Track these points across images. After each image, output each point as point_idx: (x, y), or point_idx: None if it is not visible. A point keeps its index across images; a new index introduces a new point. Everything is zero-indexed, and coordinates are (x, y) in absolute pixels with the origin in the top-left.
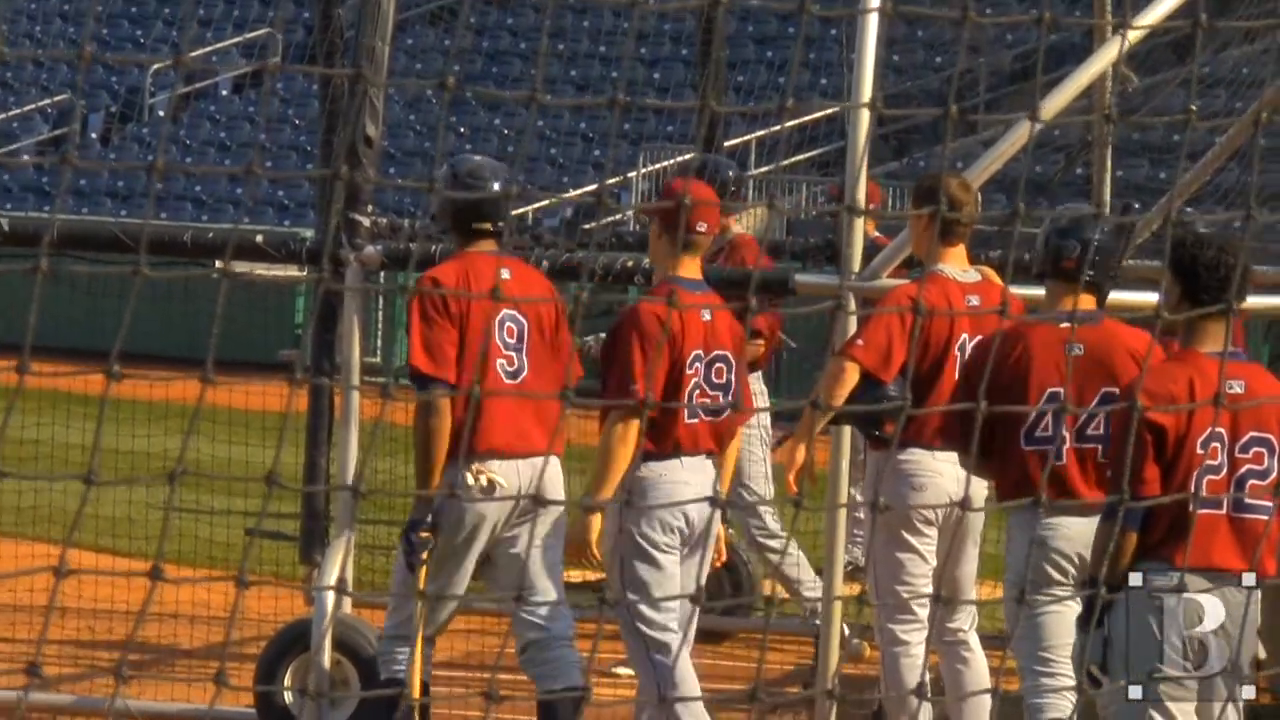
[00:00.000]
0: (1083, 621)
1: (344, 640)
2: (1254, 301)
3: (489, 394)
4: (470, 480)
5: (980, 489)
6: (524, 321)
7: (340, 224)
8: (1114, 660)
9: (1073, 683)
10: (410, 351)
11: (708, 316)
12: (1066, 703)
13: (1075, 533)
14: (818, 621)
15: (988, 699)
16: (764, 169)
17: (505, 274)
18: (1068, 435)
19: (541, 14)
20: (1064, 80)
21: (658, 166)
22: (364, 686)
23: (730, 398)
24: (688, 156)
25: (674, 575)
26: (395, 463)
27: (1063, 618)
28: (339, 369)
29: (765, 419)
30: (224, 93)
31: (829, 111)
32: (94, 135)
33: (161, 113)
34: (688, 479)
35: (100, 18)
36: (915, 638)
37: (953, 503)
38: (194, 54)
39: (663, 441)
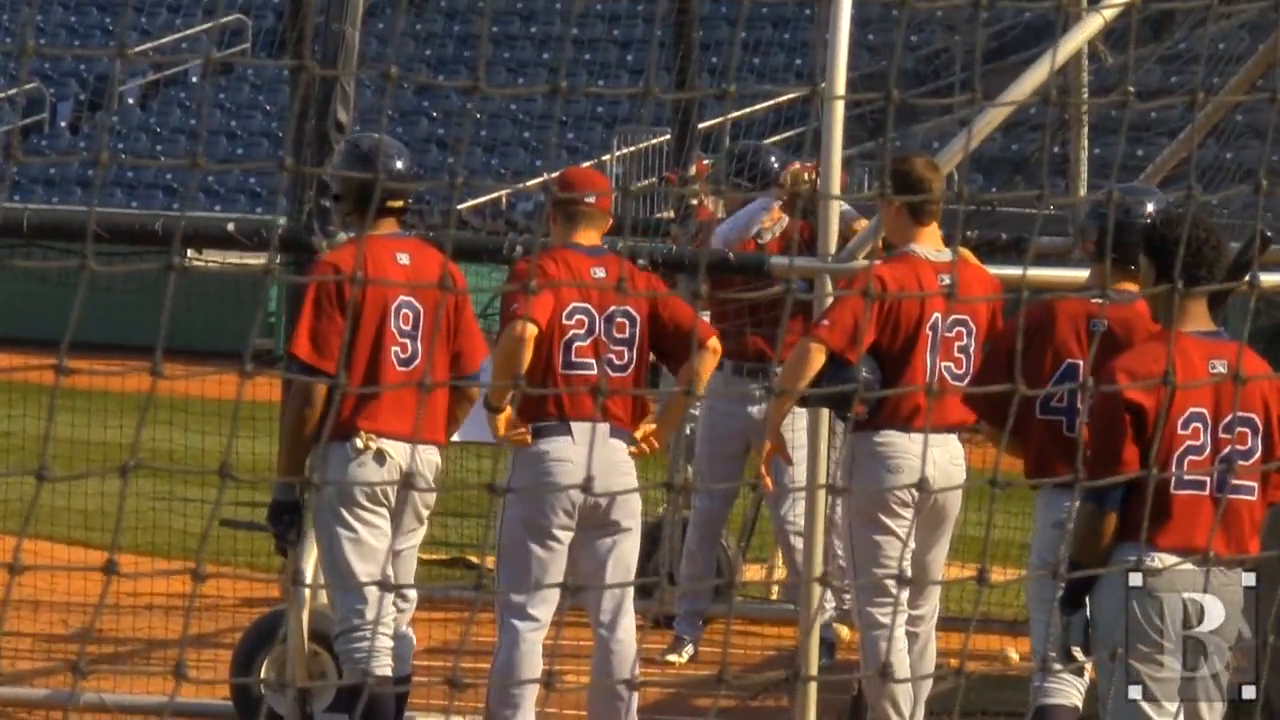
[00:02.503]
0: (1063, 603)
1: (321, 631)
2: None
3: (362, 390)
4: (360, 444)
5: (957, 472)
6: (419, 308)
7: (312, 211)
8: (1096, 642)
9: (1086, 670)
10: (294, 339)
11: (601, 274)
12: (1075, 690)
13: None
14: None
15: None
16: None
17: (404, 259)
18: (1083, 408)
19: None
20: (1037, 59)
21: (632, 149)
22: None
23: (634, 353)
24: (664, 138)
25: (545, 557)
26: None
27: None
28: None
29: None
30: (194, 79)
31: (801, 94)
32: (63, 124)
33: (131, 100)
34: (571, 456)
35: (69, 5)
36: (896, 620)
37: (929, 484)
38: (163, 40)
39: (538, 407)
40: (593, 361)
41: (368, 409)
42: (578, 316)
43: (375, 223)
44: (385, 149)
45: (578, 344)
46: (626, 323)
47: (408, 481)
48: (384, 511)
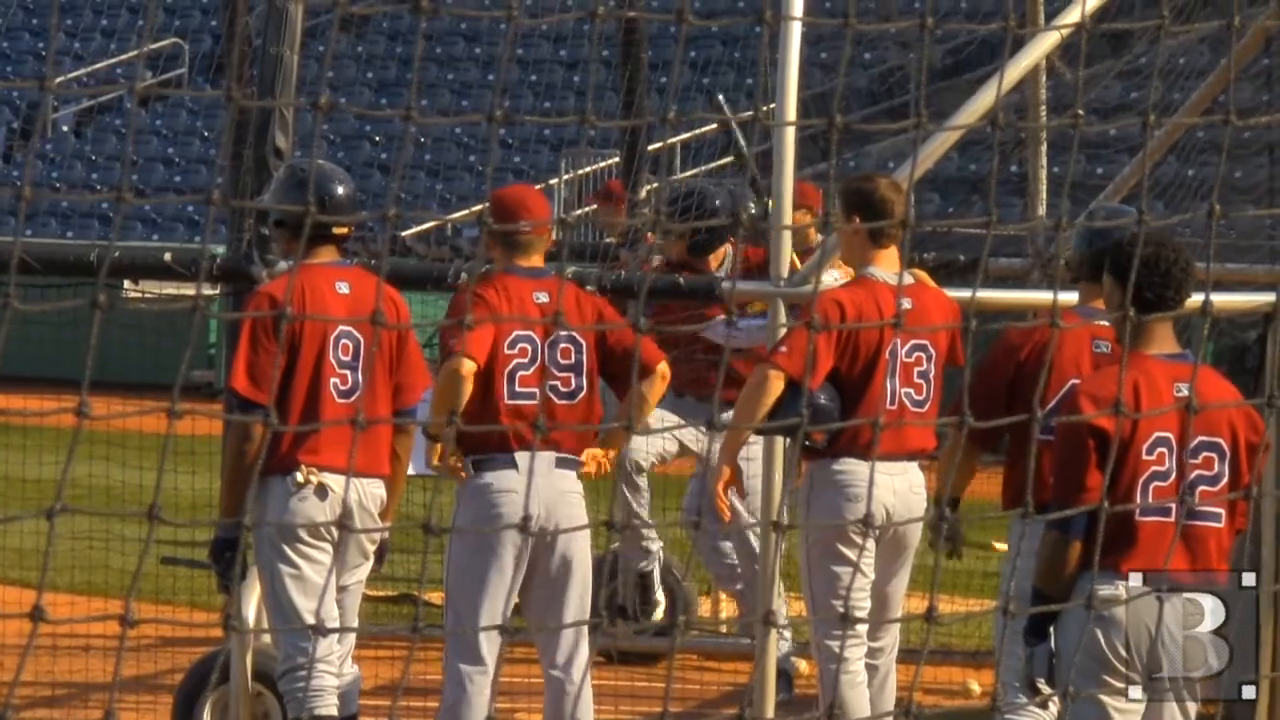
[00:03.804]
0: (1027, 634)
1: (264, 670)
2: (1196, 299)
3: (308, 427)
4: (300, 478)
5: (917, 500)
6: (360, 338)
7: (251, 240)
8: (1061, 672)
9: (1053, 705)
10: (232, 373)
11: (544, 299)
12: None
13: None
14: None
15: None
16: (690, 173)
17: (344, 288)
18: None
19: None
20: (991, 77)
21: (580, 172)
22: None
23: (583, 379)
24: (612, 161)
25: (493, 596)
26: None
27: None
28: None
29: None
30: (129, 105)
31: (747, 118)
32: None
33: (65, 127)
34: (516, 487)
35: None
36: (854, 653)
37: (890, 514)
38: (97, 66)
39: (482, 439)
40: (537, 390)
41: (308, 442)
42: (521, 345)
43: (315, 251)
44: (325, 175)
45: (521, 373)
46: (571, 348)
47: (346, 517)
48: (327, 546)
